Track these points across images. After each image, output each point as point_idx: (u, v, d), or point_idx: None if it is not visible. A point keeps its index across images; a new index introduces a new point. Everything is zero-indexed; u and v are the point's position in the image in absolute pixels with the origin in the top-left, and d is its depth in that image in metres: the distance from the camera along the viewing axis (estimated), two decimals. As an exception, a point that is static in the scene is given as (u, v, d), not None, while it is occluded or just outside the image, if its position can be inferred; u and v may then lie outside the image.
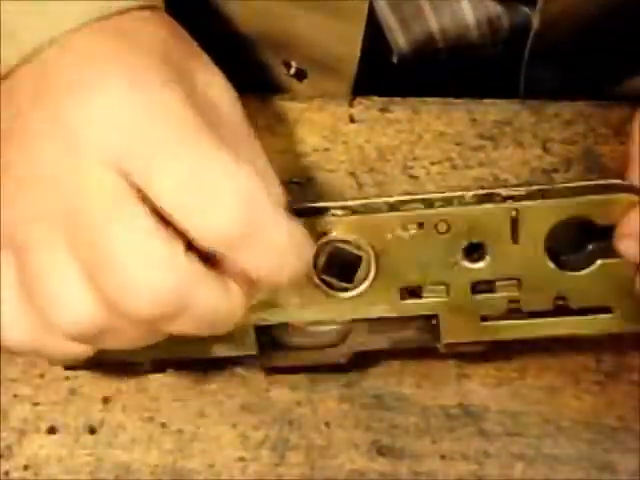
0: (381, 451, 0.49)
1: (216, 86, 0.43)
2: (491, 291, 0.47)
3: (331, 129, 0.56)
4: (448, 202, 0.45)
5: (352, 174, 0.55)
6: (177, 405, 0.50)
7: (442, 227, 0.45)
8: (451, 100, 0.57)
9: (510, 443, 0.49)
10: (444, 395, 0.50)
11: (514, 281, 0.46)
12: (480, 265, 0.46)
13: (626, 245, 0.45)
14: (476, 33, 0.60)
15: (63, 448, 0.49)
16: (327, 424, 0.50)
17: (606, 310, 0.47)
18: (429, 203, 0.46)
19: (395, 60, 0.61)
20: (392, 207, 0.46)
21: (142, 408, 0.50)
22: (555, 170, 0.55)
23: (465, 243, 0.46)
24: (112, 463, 0.49)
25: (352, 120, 0.56)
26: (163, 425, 0.50)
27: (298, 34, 0.59)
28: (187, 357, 0.49)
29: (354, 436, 0.49)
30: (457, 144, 0.56)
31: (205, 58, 0.43)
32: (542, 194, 0.45)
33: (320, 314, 0.47)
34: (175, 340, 0.44)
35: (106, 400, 0.50)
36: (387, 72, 0.63)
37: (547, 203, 0.45)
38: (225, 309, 0.39)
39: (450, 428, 0.49)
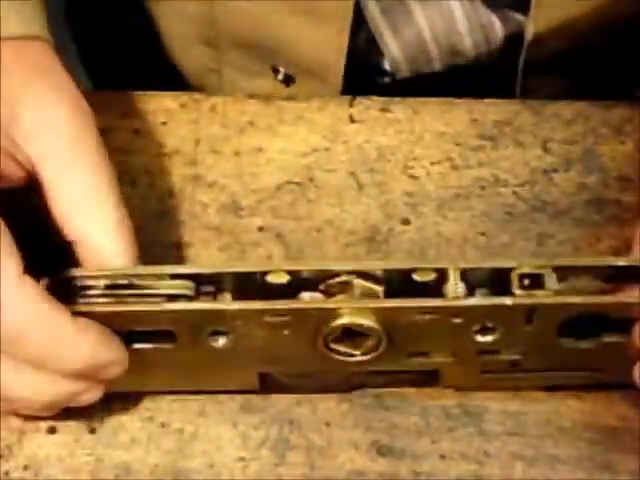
0: (381, 451, 0.49)
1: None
2: (496, 353, 0.47)
3: (331, 129, 0.56)
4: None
5: (352, 174, 0.55)
6: (177, 405, 0.50)
7: (457, 317, 0.45)
8: (451, 100, 0.57)
9: (510, 443, 0.49)
10: (444, 395, 0.50)
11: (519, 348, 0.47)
12: (489, 338, 0.46)
13: None
14: (469, 41, 0.60)
15: (63, 448, 0.49)
16: (327, 424, 0.50)
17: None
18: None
19: (387, 67, 0.61)
20: (387, 273, 0.46)
21: (142, 408, 0.50)
22: (555, 170, 0.55)
23: (478, 327, 0.46)
24: (112, 463, 0.49)
25: (352, 120, 0.57)
26: (163, 425, 0.50)
27: (285, 38, 0.59)
28: (186, 390, 0.49)
29: (354, 436, 0.49)
30: (457, 144, 0.56)
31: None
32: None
33: (324, 369, 0.48)
34: (173, 374, 0.47)
35: (106, 400, 0.50)
36: (383, 86, 0.63)
37: (564, 300, 0.45)
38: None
39: (450, 428, 0.49)
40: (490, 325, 0.45)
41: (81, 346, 0.44)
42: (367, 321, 0.45)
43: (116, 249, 0.46)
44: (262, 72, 0.62)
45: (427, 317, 0.45)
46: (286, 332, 0.45)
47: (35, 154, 0.46)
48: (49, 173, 0.46)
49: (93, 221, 0.46)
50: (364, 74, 0.62)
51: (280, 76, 0.62)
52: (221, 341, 0.46)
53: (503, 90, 0.60)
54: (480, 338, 0.46)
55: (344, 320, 0.45)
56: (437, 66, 0.61)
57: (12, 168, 0.45)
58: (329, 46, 0.58)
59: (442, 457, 0.49)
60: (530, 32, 0.57)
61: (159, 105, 0.57)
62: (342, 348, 0.46)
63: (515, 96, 0.62)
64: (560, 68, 0.61)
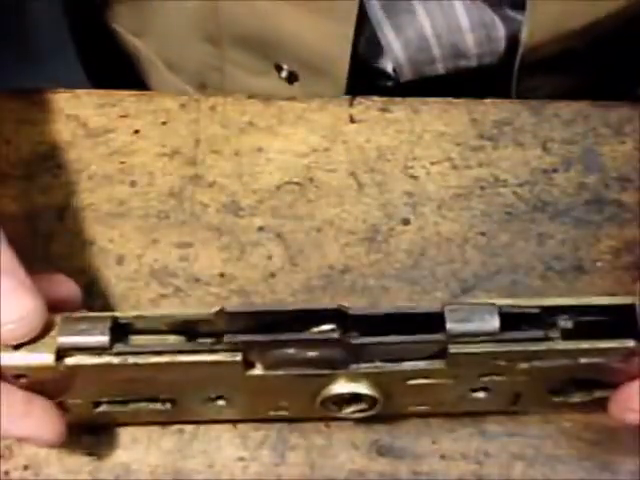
0: (381, 451, 0.49)
1: None
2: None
3: (331, 129, 0.56)
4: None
5: (352, 174, 0.55)
6: (177, 405, 0.50)
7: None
8: (451, 100, 0.57)
9: (510, 443, 0.49)
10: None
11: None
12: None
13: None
14: (471, 39, 0.60)
15: (63, 448, 0.49)
16: (327, 424, 0.50)
17: None
18: None
19: (390, 70, 0.61)
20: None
21: (142, 408, 0.50)
22: (555, 170, 0.55)
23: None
24: (112, 463, 0.49)
25: (352, 120, 0.57)
26: (163, 425, 0.50)
27: (288, 34, 0.59)
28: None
29: (354, 436, 0.49)
30: (457, 144, 0.56)
31: None
32: None
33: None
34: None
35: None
36: (385, 90, 0.62)
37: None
38: None
39: (450, 428, 0.49)
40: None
41: None
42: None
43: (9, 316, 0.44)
44: (265, 70, 0.62)
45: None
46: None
47: None
48: None
49: None
50: (367, 78, 0.61)
51: (283, 74, 0.62)
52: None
53: (500, 92, 0.60)
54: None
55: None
56: (440, 68, 0.61)
57: None
58: (334, 40, 0.58)
59: (442, 457, 0.49)
60: (526, 32, 0.57)
61: (159, 105, 0.57)
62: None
63: (512, 97, 0.62)
64: (556, 69, 0.61)
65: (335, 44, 0.58)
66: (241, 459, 0.49)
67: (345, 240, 0.54)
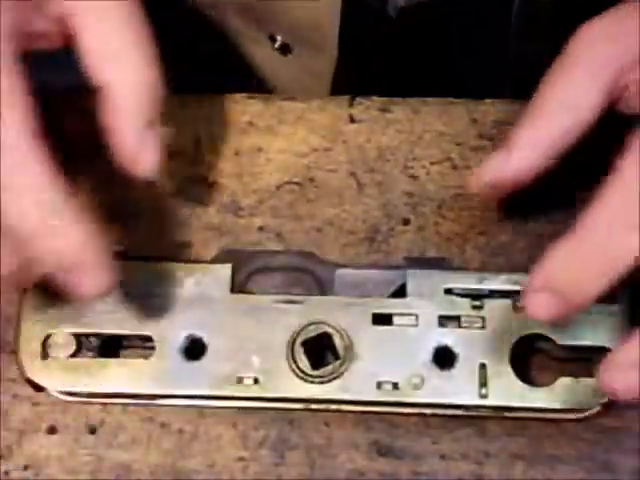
0: (381, 451, 0.49)
1: None
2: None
3: (331, 129, 0.56)
4: None
5: (352, 174, 0.55)
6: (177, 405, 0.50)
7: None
8: (451, 100, 0.57)
9: (510, 443, 0.49)
10: (444, 395, 0.50)
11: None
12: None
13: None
14: None
15: (63, 448, 0.49)
16: (327, 424, 0.50)
17: None
18: None
19: (393, 14, 0.61)
20: None
21: (142, 408, 0.50)
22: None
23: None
24: (112, 463, 0.49)
25: (352, 120, 0.57)
26: (163, 425, 0.50)
27: (279, 4, 0.59)
28: None
29: (354, 436, 0.49)
30: (457, 144, 0.56)
31: None
32: None
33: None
34: None
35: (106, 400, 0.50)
36: (378, 35, 0.62)
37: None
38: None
39: (450, 428, 0.49)
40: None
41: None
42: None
43: (138, 105, 0.47)
44: (260, 39, 0.62)
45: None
46: None
47: (65, 7, 0.46)
48: (78, 24, 0.46)
49: (118, 74, 0.47)
50: (360, 23, 0.61)
51: (277, 44, 0.62)
52: None
53: (495, 52, 0.60)
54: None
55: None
56: (439, 15, 0.61)
57: (43, 24, 0.46)
58: (323, 9, 0.58)
59: (442, 457, 0.49)
60: None
61: (159, 105, 0.57)
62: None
63: (508, 61, 0.62)
64: (553, 32, 0.61)
65: (325, 14, 0.58)
66: (241, 459, 0.49)
67: (345, 240, 0.54)
